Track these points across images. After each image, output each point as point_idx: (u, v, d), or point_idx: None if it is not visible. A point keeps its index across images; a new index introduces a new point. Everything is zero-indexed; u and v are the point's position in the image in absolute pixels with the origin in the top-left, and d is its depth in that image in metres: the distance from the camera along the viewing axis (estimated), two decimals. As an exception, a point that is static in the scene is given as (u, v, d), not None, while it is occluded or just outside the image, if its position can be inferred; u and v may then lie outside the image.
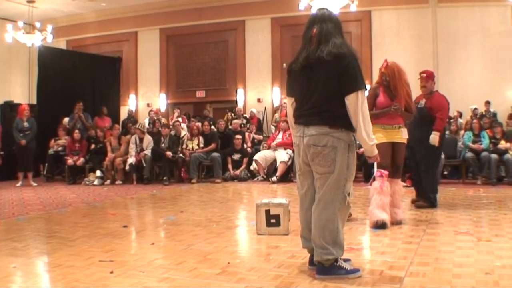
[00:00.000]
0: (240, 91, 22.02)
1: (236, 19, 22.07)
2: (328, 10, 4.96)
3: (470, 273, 4.88)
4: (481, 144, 13.86)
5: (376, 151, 4.85)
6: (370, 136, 4.68)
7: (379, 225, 7.10)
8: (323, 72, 4.62)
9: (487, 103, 18.08)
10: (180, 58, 23.16)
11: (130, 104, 23.44)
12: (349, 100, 4.53)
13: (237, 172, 15.22)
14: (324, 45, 4.64)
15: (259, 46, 21.87)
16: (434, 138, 9.12)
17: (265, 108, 21.39)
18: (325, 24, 4.75)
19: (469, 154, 13.75)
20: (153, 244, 6.43)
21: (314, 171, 4.77)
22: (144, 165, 15.05)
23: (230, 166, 15.40)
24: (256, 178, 15.04)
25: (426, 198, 9.36)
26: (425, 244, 6.17)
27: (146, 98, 23.59)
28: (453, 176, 14.66)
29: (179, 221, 8.16)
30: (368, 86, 6.77)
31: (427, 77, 9.61)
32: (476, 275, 4.80)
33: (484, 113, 17.77)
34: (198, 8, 22.21)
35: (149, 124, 17.80)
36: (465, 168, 14.20)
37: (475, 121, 14.72)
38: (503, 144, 13.83)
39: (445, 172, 14.63)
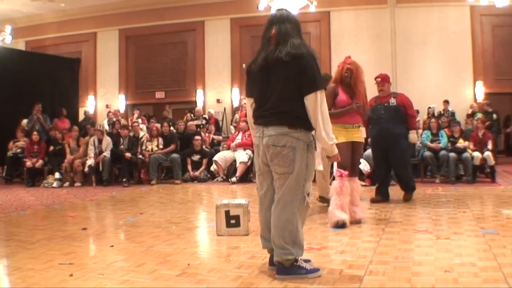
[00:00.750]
0: (199, 91, 22.02)
1: (196, 19, 22.08)
2: (287, 11, 4.97)
3: (429, 271, 4.92)
4: (439, 143, 13.99)
5: (336, 151, 4.87)
6: (330, 136, 4.69)
7: (339, 225, 7.13)
8: (282, 73, 4.63)
9: (446, 102, 18.33)
10: (140, 59, 23.08)
11: (89, 105, 23.28)
12: (308, 100, 4.55)
13: (197, 173, 15.17)
14: (283, 46, 4.65)
15: (218, 47, 21.89)
16: (414, 136, 9.62)
17: (225, 108, 21.41)
18: (283, 25, 4.76)
19: (427, 153, 13.87)
20: (112, 246, 6.38)
21: (273, 172, 4.77)
22: (103, 167, 14.93)
23: (189, 167, 15.34)
24: (215, 179, 15.01)
25: (410, 189, 10.02)
26: (384, 243, 6.21)
27: (105, 99, 23.46)
28: (412, 174, 14.76)
29: (138, 222, 8.11)
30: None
31: (383, 80, 9.79)
32: (436, 273, 4.84)
33: (442, 112, 17.98)
34: (158, 9, 22.15)
35: (108, 125, 17.67)
36: (424, 167, 14.32)
37: (433, 120, 14.87)
38: (461, 143, 13.98)
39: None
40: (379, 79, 9.69)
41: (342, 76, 7.90)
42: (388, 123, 9.08)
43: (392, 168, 10.01)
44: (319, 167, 8.22)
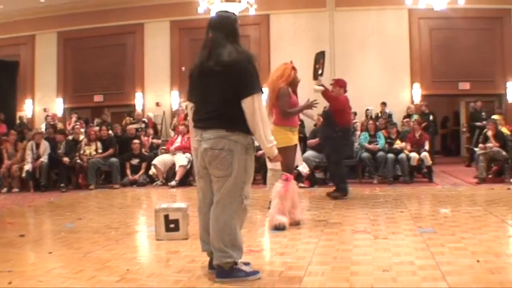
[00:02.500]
0: (138, 95, 21.88)
1: (135, 22, 21.91)
2: (224, 14, 4.99)
3: (368, 270, 4.97)
4: (377, 144, 14.18)
5: (275, 152, 4.89)
6: (268, 138, 4.73)
7: (279, 228, 7.16)
8: (218, 79, 4.66)
9: (383, 104, 18.58)
10: (78, 62, 22.81)
11: (27, 109, 22.90)
12: (246, 103, 4.58)
13: (136, 177, 15.03)
14: (216, 53, 4.70)
15: (158, 50, 21.76)
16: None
17: (164, 112, 21.31)
18: (217, 32, 4.81)
19: (365, 154, 14.05)
20: (51, 253, 6.29)
21: (212, 175, 4.78)
22: (40, 172, 14.70)
23: (128, 171, 15.20)
24: (155, 183, 14.89)
25: (339, 189, 10.32)
26: (323, 244, 6.26)
27: (43, 103, 23.07)
28: (350, 176, 14.87)
29: (77, 228, 8.01)
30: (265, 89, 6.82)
31: (334, 84, 10.51)
32: (374, 272, 4.90)
33: (380, 114, 18.21)
34: (97, 11, 21.90)
35: (46, 130, 17.42)
36: (362, 168, 14.50)
37: (370, 122, 15.08)
38: (398, 144, 14.20)
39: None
40: (333, 81, 10.57)
41: (294, 80, 7.93)
42: (323, 126, 9.32)
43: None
44: (275, 166, 8.31)
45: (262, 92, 4.67)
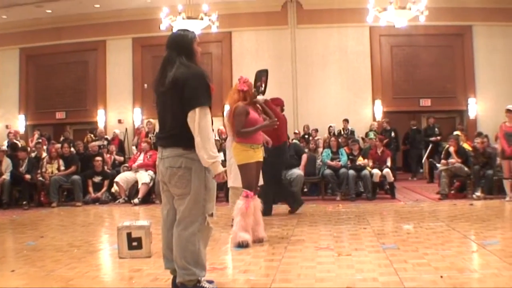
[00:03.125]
0: (100, 112, 21.76)
1: (97, 39, 21.83)
2: (182, 32, 5.03)
3: (331, 287, 4.99)
4: (339, 161, 14.24)
5: (219, 169, 4.74)
6: (210, 153, 4.61)
7: (242, 245, 7.15)
8: (169, 97, 4.72)
9: (345, 121, 18.75)
10: (40, 79, 22.63)
11: (-13, 126, 22.67)
12: (189, 117, 4.58)
13: (98, 194, 14.90)
14: (165, 74, 4.76)
15: (120, 66, 21.70)
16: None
17: (126, 129, 21.22)
18: (171, 49, 4.88)
19: (327, 171, 14.09)
20: (13, 271, 6.22)
21: (172, 192, 4.81)
22: (2, 189, 14.52)
23: (91, 189, 15.06)
24: (117, 201, 14.78)
25: (295, 203, 10.64)
26: (286, 261, 6.27)
27: (5, 120, 22.81)
28: (313, 192, 14.96)
29: (39, 246, 7.93)
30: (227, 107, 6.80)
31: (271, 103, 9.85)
32: (338, 289, 4.92)
33: (342, 131, 18.34)
34: (58, 28, 21.77)
35: (7, 147, 17.24)
36: (324, 185, 14.51)
37: (332, 138, 15.13)
38: (360, 161, 14.28)
39: (305, 189, 14.91)
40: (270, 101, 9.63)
41: (251, 96, 7.92)
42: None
43: None
44: (235, 183, 8.29)
45: (208, 106, 4.65)
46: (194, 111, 4.55)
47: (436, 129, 18.14)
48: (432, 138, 17.96)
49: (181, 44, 4.86)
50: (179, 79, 4.63)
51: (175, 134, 4.69)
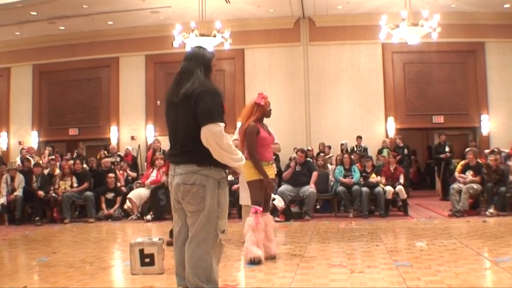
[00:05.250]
0: (113, 128, 21.79)
1: (110, 55, 21.90)
2: (202, 48, 5.00)
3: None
4: (352, 178, 14.22)
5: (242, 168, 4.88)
6: (236, 158, 4.69)
7: (254, 262, 7.14)
8: (182, 112, 4.67)
9: (359, 138, 18.70)
10: (53, 95, 22.70)
11: (1, 142, 22.72)
12: (202, 133, 4.54)
13: (111, 211, 14.92)
14: (181, 85, 4.72)
15: (133, 83, 21.76)
16: None
17: (139, 145, 21.25)
18: (188, 63, 4.84)
19: (340, 188, 14.07)
20: (26, 287, 6.23)
21: (185, 209, 4.77)
22: (15, 205, 14.58)
23: (103, 205, 15.09)
24: (130, 217, 14.80)
25: None
26: (299, 278, 6.25)
27: (18, 136, 22.90)
28: (326, 209, 14.93)
29: (52, 262, 7.94)
30: (239, 123, 6.79)
31: None
32: (350, 307, 4.90)
33: (355, 148, 18.30)
34: (72, 44, 21.87)
35: (21, 163, 17.30)
36: (337, 202, 14.48)
37: (346, 155, 15.11)
38: (373, 178, 14.26)
39: (318, 206, 14.89)
40: None
41: (265, 112, 7.92)
42: None
43: None
44: (247, 202, 8.27)
45: (223, 123, 4.63)
46: (208, 127, 4.52)
47: (447, 146, 17.97)
48: (442, 155, 17.80)
49: (201, 59, 4.85)
50: (194, 92, 4.60)
51: (189, 151, 4.66)
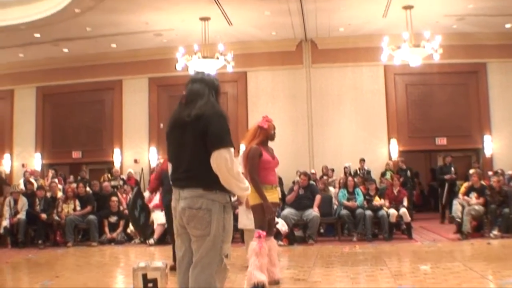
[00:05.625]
0: (116, 151, 21.80)
1: (114, 78, 21.97)
2: (204, 73, 5.01)
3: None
4: (355, 201, 14.20)
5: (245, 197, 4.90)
6: (243, 186, 4.68)
7: (258, 286, 7.11)
8: (189, 134, 4.63)
9: (362, 160, 18.66)
10: (57, 117, 22.72)
11: (5, 164, 22.72)
12: (212, 157, 4.51)
13: (114, 234, 14.89)
14: (189, 106, 4.69)
15: (136, 106, 21.80)
16: None
17: (142, 169, 21.23)
18: (195, 85, 4.81)
19: (344, 212, 14.04)
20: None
21: (190, 234, 4.71)
22: (18, 228, 14.57)
23: (106, 229, 15.06)
24: (133, 241, 14.77)
25: None
26: (303, 304, 6.23)
27: (21, 158, 22.90)
28: (329, 233, 14.90)
29: (55, 286, 7.93)
30: (243, 146, 6.79)
31: None
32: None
33: (358, 170, 18.27)
34: (75, 67, 21.93)
35: (24, 185, 17.31)
36: (341, 225, 14.44)
37: (350, 178, 15.08)
38: (377, 201, 14.24)
39: (321, 230, 14.85)
40: None
41: (269, 135, 7.93)
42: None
43: None
44: (246, 226, 8.25)
45: (232, 147, 4.65)
46: (219, 152, 4.50)
47: (452, 168, 17.88)
48: (447, 176, 17.71)
49: (212, 83, 4.85)
50: (206, 114, 4.59)
51: (194, 175, 4.62)
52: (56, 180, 18.14)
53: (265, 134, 7.85)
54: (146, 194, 8.88)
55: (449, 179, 17.57)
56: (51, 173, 19.64)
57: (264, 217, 7.50)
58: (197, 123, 4.58)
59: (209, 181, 4.58)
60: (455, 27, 18.80)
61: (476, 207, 13.41)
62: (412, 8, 16.41)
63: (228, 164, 4.51)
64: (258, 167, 7.54)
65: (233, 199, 4.85)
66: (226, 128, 4.63)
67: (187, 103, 4.73)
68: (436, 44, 15.67)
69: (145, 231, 9.03)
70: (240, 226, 9.10)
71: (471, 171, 15.73)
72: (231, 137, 4.64)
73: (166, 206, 9.08)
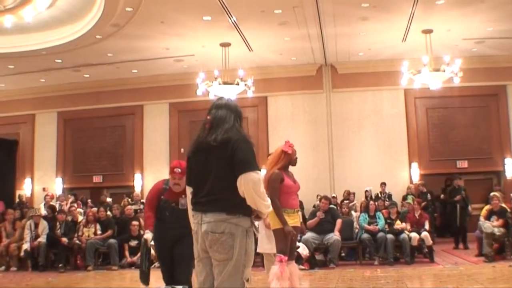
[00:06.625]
0: (137, 176, 21.85)
1: (134, 103, 22.10)
2: (227, 99, 5.06)
3: None
4: (376, 225, 14.15)
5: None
6: (267, 204, 4.76)
7: (280, 310, 7.08)
8: (214, 158, 4.68)
9: (383, 184, 18.53)
10: (78, 142, 22.87)
11: (26, 188, 22.84)
12: (240, 181, 4.57)
13: (134, 258, 14.90)
14: (215, 131, 4.74)
15: (157, 131, 21.88)
16: None
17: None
18: (220, 110, 4.87)
19: (365, 235, 14.01)
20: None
21: (213, 258, 4.72)
22: (39, 251, 14.64)
23: (127, 253, 15.10)
24: (153, 265, 14.74)
25: None
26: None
27: (42, 182, 23.00)
28: (350, 257, 14.85)
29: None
30: (263, 170, 6.82)
31: (182, 173, 7.32)
32: None
33: (379, 194, 18.18)
34: (96, 92, 22.11)
35: (45, 209, 17.41)
36: (362, 249, 14.39)
37: (371, 202, 15.07)
38: (398, 224, 14.19)
39: (342, 254, 14.81)
40: (179, 170, 7.51)
41: (291, 160, 7.95)
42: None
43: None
44: (265, 250, 8.24)
45: (259, 170, 4.69)
46: (250, 174, 4.57)
47: (462, 191, 17.36)
48: (456, 197, 17.21)
49: (234, 109, 4.94)
50: (232, 139, 4.66)
51: (218, 199, 4.66)
52: (75, 205, 18.22)
53: (288, 159, 7.88)
54: (149, 235, 8.02)
55: (458, 200, 17.04)
56: (71, 198, 19.73)
57: (286, 241, 7.50)
58: (224, 148, 4.63)
59: (233, 206, 4.63)
60: (475, 50, 18.80)
61: (497, 230, 13.34)
62: (431, 32, 16.44)
63: (256, 186, 4.57)
64: (279, 192, 7.56)
65: (256, 223, 4.88)
66: (252, 152, 4.70)
67: (212, 128, 4.78)
68: (456, 68, 15.67)
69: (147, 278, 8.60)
70: (259, 250, 9.09)
71: (492, 194, 15.57)
72: (257, 162, 4.71)
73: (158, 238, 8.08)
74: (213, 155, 4.69)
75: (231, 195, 4.60)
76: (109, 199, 19.91)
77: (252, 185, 4.55)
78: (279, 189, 7.56)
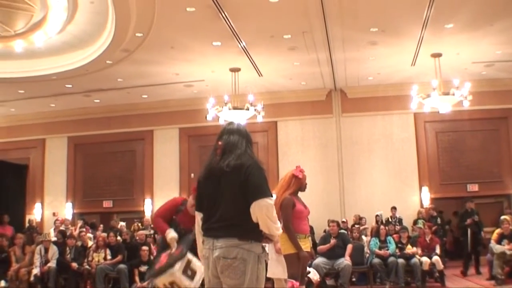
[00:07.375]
0: (147, 201, 21.85)
1: (145, 128, 22.17)
2: (238, 124, 5.08)
3: None
4: (387, 249, 14.11)
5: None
6: (278, 227, 4.77)
7: (291, 336, 7.06)
8: (226, 183, 4.68)
9: (393, 209, 18.47)
10: (88, 167, 22.92)
11: (36, 212, 22.85)
12: (253, 207, 4.57)
13: (144, 284, 14.83)
14: (227, 156, 4.75)
15: (167, 156, 21.92)
16: None
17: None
18: (231, 136, 4.88)
19: (376, 260, 13.96)
20: None
21: (224, 283, 4.71)
22: (48, 276, 14.64)
23: (137, 278, 15.04)
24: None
25: None
26: None
27: (52, 207, 23.01)
28: (361, 282, 14.79)
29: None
30: (275, 196, 6.81)
31: None
32: None
33: (390, 219, 18.11)
34: (107, 117, 22.20)
35: (55, 234, 17.43)
36: (373, 274, 14.34)
37: (382, 227, 15.04)
38: (409, 249, 14.14)
39: (353, 279, 14.75)
40: None
41: (302, 185, 7.96)
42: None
43: None
44: (275, 275, 8.23)
45: (271, 196, 4.70)
46: (264, 201, 4.58)
47: (475, 215, 17.03)
48: (468, 221, 16.76)
49: (245, 134, 4.96)
50: (245, 164, 4.67)
51: (230, 225, 4.65)
52: (84, 230, 18.23)
53: (299, 184, 7.89)
54: (175, 234, 7.88)
55: (470, 223, 16.62)
56: (80, 223, 19.76)
57: (298, 266, 7.49)
58: (236, 174, 4.64)
59: (245, 231, 4.64)
60: (484, 73, 18.79)
61: (508, 253, 13.28)
62: (440, 56, 16.45)
63: (269, 212, 4.59)
64: (292, 217, 7.56)
65: (266, 248, 4.88)
66: (265, 178, 4.72)
67: (224, 154, 4.80)
68: (465, 91, 15.65)
69: None
70: (269, 274, 9.07)
71: (502, 217, 15.45)
72: (268, 185, 4.71)
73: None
74: (225, 181, 4.69)
75: (244, 221, 4.61)
76: (122, 223, 19.89)
77: (266, 211, 4.56)
78: (292, 214, 7.56)
